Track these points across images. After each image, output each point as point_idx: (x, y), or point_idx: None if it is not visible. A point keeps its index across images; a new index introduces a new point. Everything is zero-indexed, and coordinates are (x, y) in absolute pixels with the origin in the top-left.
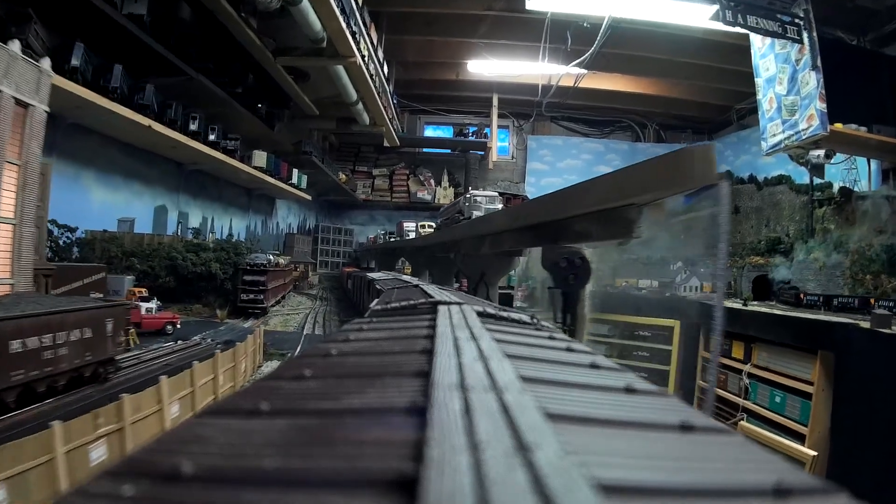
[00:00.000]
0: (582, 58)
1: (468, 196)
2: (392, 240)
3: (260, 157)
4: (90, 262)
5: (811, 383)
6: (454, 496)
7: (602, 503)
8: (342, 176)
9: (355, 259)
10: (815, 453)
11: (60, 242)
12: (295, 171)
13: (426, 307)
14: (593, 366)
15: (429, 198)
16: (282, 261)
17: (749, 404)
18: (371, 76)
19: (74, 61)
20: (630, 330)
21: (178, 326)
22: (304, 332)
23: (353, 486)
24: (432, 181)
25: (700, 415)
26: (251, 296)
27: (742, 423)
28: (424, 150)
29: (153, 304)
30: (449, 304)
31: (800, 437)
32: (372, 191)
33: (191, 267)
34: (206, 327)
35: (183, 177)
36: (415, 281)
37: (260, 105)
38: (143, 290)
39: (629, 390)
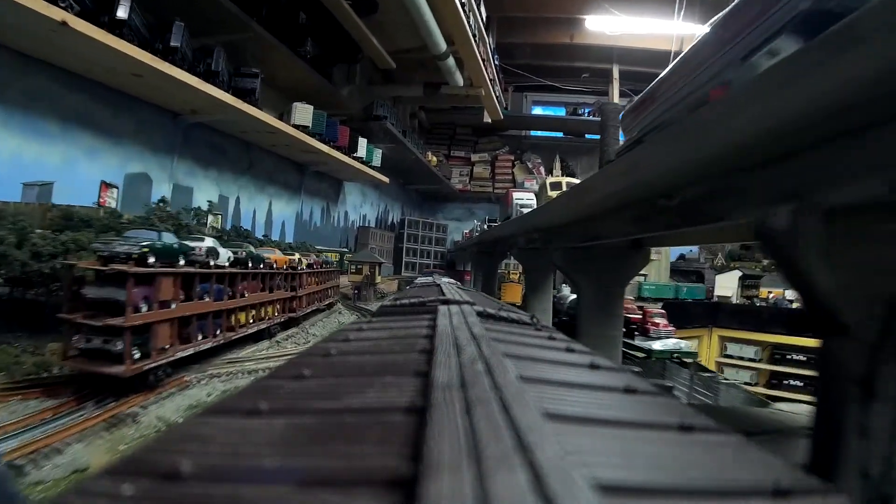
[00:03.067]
0: (725, 10)
1: None
2: (488, 227)
3: (303, 112)
4: None
5: None
6: (453, 496)
7: (602, 503)
8: (431, 158)
9: (450, 261)
10: None
11: None
12: (362, 142)
13: (427, 306)
14: (593, 366)
15: (537, 188)
16: (271, 255)
17: None
18: (463, 6)
19: None
20: (780, 353)
21: None
22: None
23: (352, 486)
24: (542, 168)
25: (699, 415)
26: (94, 342)
27: None
28: (532, 132)
29: None
30: (449, 303)
31: None
32: (470, 179)
33: (27, 260)
34: None
35: (181, 134)
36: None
37: (306, 43)
38: None
39: (628, 390)
